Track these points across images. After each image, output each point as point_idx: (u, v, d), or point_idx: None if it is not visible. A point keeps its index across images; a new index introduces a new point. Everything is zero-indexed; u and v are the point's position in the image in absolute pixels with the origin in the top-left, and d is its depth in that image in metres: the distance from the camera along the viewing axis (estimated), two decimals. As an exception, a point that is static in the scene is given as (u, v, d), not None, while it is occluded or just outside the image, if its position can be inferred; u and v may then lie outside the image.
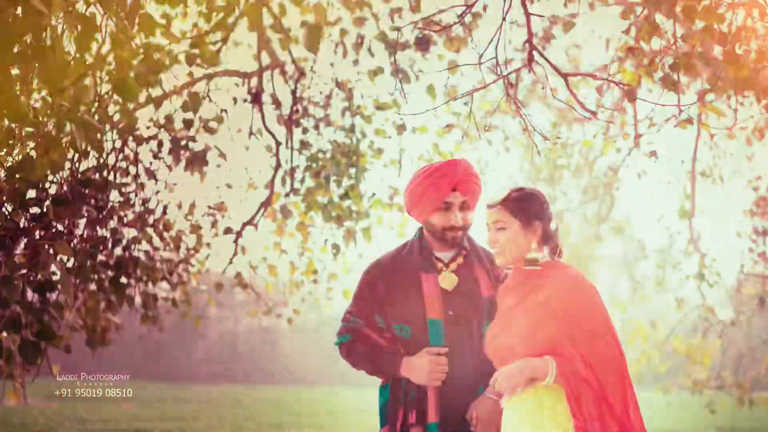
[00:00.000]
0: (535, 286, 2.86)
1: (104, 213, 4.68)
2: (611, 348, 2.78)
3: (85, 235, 4.56)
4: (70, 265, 4.57)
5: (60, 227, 4.33)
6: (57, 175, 4.33)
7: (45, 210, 3.89)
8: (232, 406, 24.67)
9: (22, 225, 3.93)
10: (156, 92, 5.09)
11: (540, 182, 9.63)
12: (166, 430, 15.30)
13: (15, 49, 3.27)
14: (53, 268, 4.08)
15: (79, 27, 3.44)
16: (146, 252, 5.05)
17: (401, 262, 3.13)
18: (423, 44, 3.15)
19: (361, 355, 3.13)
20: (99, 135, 4.50)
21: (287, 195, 5.76)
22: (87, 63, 3.42)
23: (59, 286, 4.02)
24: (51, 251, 4.06)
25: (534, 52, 2.98)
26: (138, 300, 5.17)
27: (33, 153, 3.93)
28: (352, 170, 5.56)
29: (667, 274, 10.25)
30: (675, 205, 9.40)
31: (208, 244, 5.83)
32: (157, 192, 5.47)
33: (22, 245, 3.94)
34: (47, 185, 4.33)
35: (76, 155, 4.57)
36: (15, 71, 3.82)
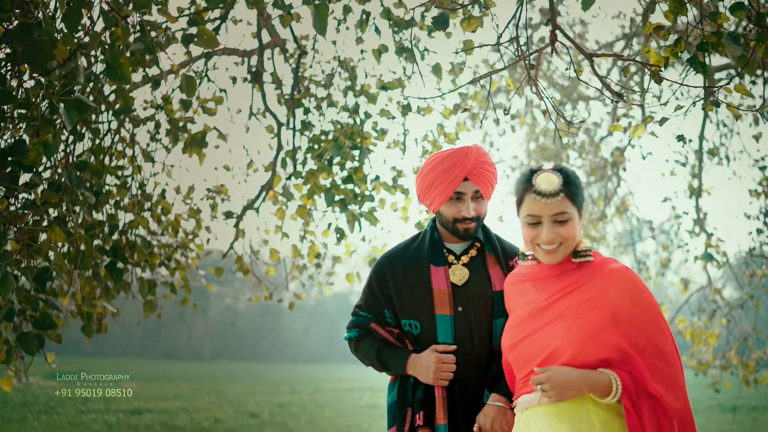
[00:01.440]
0: (576, 279, 2.46)
1: (100, 197, 4.54)
2: (672, 353, 2.39)
3: (81, 221, 4.42)
4: (65, 250, 4.45)
5: (56, 213, 4.21)
6: (51, 159, 4.19)
7: (33, 197, 3.74)
8: (233, 384, 24.70)
9: (13, 211, 3.79)
10: (153, 71, 4.93)
11: (545, 162, 9.48)
12: (166, 409, 15.27)
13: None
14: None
15: (70, 3, 3.29)
16: (143, 238, 4.90)
17: (411, 255, 2.97)
18: (441, 23, 2.98)
19: (367, 352, 2.98)
20: (94, 116, 4.36)
21: (289, 178, 5.60)
22: (77, 41, 3.25)
23: (54, 273, 3.89)
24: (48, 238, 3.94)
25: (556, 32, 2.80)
26: (135, 285, 5.04)
27: (26, 135, 3.79)
28: (356, 152, 5.39)
29: (673, 254, 10.12)
30: (681, 185, 9.29)
31: (207, 228, 5.68)
32: (155, 174, 5.33)
33: (12, 232, 3.80)
34: (41, 169, 4.19)
35: (71, 137, 4.43)
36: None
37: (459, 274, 2.91)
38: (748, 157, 8.91)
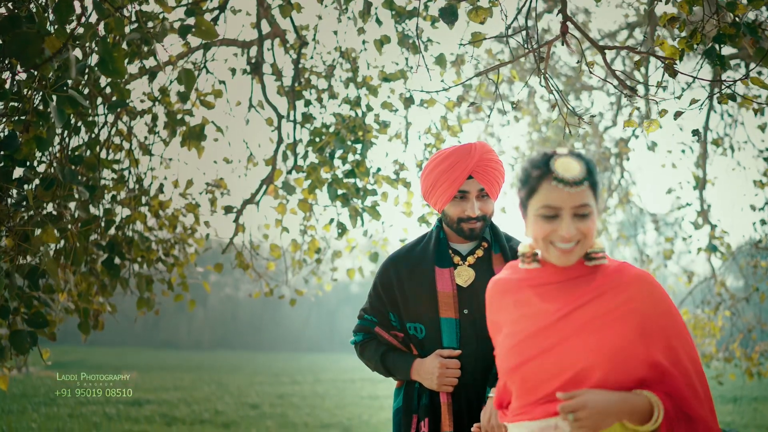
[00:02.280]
0: (595, 286, 2.05)
1: (96, 191, 4.44)
2: (701, 370, 2.05)
3: (76, 217, 4.32)
4: (61, 245, 4.36)
5: (49, 208, 4.11)
6: (46, 153, 4.09)
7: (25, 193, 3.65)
8: (233, 374, 24.68)
9: (5, 208, 3.70)
10: (150, 63, 4.83)
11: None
12: (166, 400, 15.23)
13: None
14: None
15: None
16: (140, 233, 4.80)
17: (416, 256, 2.87)
18: (449, 15, 2.87)
19: (372, 356, 2.90)
20: (89, 109, 4.25)
21: (290, 172, 5.49)
22: (67, 33, 3.15)
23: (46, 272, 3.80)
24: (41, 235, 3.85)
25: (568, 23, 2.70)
26: (132, 282, 4.95)
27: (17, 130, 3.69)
28: (358, 146, 5.28)
29: (675, 245, 10.03)
30: (684, 176, 9.19)
31: (206, 223, 5.58)
32: (152, 169, 5.23)
33: (5, 229, 3.71)
34: (36, 164, 4.09)
35: (66, 131, 4.33)
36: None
37: (464, 275, 2.80)
38: (753, 148, 8.84)
